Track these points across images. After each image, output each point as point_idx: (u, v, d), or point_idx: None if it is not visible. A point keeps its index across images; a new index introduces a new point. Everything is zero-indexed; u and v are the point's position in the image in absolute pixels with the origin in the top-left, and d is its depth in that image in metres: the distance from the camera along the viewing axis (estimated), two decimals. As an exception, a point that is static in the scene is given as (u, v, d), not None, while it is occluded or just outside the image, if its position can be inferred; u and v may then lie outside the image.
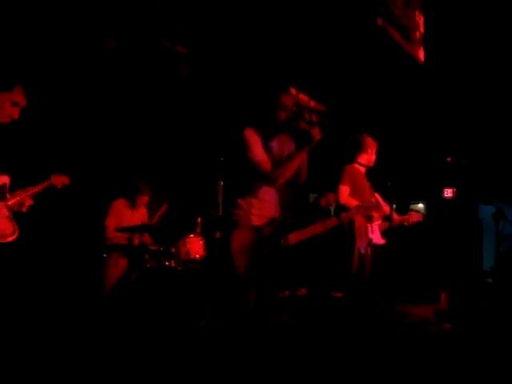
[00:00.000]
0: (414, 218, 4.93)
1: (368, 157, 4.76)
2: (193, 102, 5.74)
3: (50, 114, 4.73)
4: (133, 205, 5.46)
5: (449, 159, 4.31)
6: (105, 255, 5.19)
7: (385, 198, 4.59)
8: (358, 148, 4.77)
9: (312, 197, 7.65)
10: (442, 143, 6.95)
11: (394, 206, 4.16)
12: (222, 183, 6.59)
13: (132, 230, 5.17)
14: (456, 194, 7.32)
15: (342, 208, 4.40)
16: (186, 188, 6.49)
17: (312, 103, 5.39)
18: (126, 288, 4.87)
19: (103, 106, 4.88)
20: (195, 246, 5.20)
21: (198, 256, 5.17)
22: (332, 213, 6.51)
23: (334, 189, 6.15)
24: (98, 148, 5.40)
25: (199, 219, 5.43)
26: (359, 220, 4.41)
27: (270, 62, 5.39)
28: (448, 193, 7.60)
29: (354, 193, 4.57)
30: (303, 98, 5.38)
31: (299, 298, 5.93)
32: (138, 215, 5.52)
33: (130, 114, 5.44)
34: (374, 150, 4.77)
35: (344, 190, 4.54)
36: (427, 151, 7.02)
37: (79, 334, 4.29)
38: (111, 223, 5.29)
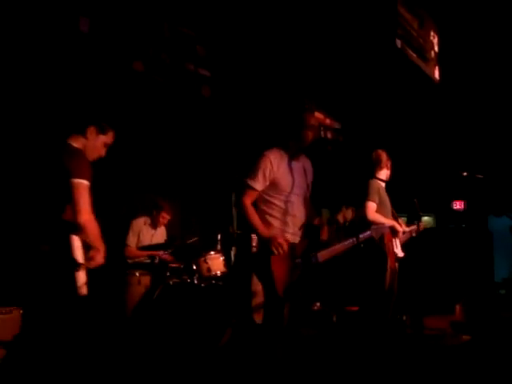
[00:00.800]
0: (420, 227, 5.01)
1: (386, 172, 4.85)
2: (215, 122, 5.85)
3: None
4: (154, 223, 5.52)
5: (465, 174, 4.38)
6: (127, 273, 5.20)
7: (410, 214, 4.67)
8: (376, 164, 4.84)
9: (324, 212, 7.72)
10: (451, 156, 7.05)
11: (419, 222, 4.26)
12: (235, 200, 6.67)
13: (155, 248, 5.24)
14: (466, 206, 7.39)
15: (366, 224, 4.46)
16: (202, 204, 6.58)
17: (327, 121, 5.48)
18: (149, 305, 4.89)
19: (129, 126, 4.96)
20: (216, 263, 5.25)
21: (219, 272, 5.23)
22: (347, 227, 6.60)
23: (352, 204, 6.25)
24: (119, 165, 5.40)
25: (219, 236, 5.50)
26: (388, 235, 4.51)
27: (288, 80, 5.49)
28: (457, 205, 7.68)
29: (379, 208, 4.64)
30: (319, 115, 5.48)
31: (315, 312, 6.00)
32: (158, 233, 5.57)
33: (155, 134, 5.53)
34: (389, 165, 4.87)
35: (372, 206, 4.58)
36: (435, 164, 7.11)
37: (104, 353, 4.27)
38: (132, 241, 5.36)
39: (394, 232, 4.60)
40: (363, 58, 5.35)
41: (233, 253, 6.04)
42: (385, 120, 6.55)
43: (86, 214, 2.95)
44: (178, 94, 5.20)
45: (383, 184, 4.84)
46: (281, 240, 3.24)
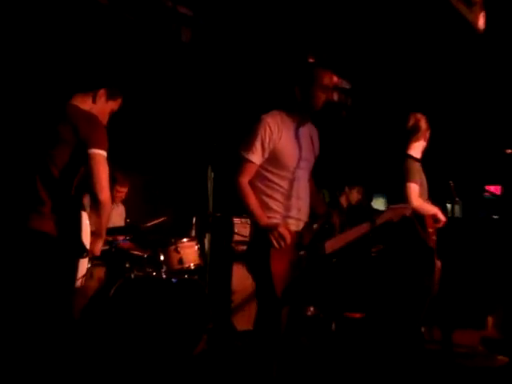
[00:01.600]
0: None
1: (423, 144, 4.67)
2: (195, 75, 5.79)
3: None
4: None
5: (510, 151, 4.32)
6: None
7: (446, 198, 4.62)
8: (413, 133, 4.65)
9: (324, 193, 7.69)
10: (491, 129, 7.01)
11: (456, 206, 4.23)
12: (212, 174, 6.61)
13: (112, 232, 5.12)
14: (502, 192, 7.36)
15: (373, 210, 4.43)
16: (172, 179, 6.56)
17: (334, 78, 5.42)
18: (103, 305, 4.80)
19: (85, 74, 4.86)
20: (190, 253, 5.24)
21: (192, 265, 5.23)
22: (352, 212, 6.60)
23: (356, 184, 6.23)
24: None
25: (194, 219, 5.50)
26: (430, 223, 4.45)
27: (289, 25, 5.42)
28: (491, 190, 7.64)
29: (419, 193, 4.51)
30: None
31: (308, 318, 5.99)
32: (116, 213, 5.50)
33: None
34: (428, 137, 4.70)
35: (414, 189, 4.44)
36: (470, 138, 7.06)
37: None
38: None
39: (436, 221, 4.48)
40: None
41: (207, 240, 5.91)
42: (407, 79, 6.45)
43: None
44: (150, 37, 5.12)
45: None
46: (283, 230, 3.21)
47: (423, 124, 4.63)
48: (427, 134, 4.67)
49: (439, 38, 5.87)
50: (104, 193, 3.06)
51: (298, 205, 3.43)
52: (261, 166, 3.37)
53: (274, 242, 3.20)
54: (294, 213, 3.42)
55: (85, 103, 3.22)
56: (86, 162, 3.04)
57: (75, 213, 3.12)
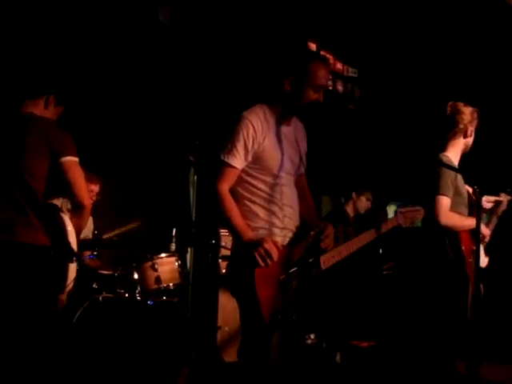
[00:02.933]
0: None
1: (467, 141, 4.42)
2: (174, 60, 5.74)
3: None
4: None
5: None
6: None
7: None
8: (452, 126, 4.42)
9: (325, 200, 7.73)
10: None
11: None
12: (195, 178, 6.55)
13: (78, 245, 4.92)
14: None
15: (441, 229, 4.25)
16: (150, 183, 6.47)
17: (338, 65, 5.33)
18: (66, 332, 4.65)
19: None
20: (169, 270, 5.16)
21: (172, 284, 5.14)
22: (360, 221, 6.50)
23: (365, 189, 6.14)
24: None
25: (174, 231, 5.40)
26: (466, 240, 4.31)
27: (284, 8, 5.32)
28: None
29: (455, 203, 4.33)
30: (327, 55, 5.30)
31: (308, 347, 5.94)
32: None
33: (86, 75, 5.43)
34: (474, 129, 4.43)
35: (444, 203, 4.26)
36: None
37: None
38: None
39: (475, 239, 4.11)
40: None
41: (189, 255, 5.99)
42: (426, 66, 6.35)
43: (88, 195, 3.56)
44: (124, 17, 5.08)
45: (456, 161, 4.43)
46: (269, 245, 3.14)
47: (468, 115, 4.37)
48: (471, 129, 4.40)
49: (460, 16, 5.76)
50: (86, 197, 3.46)
51: (282, 212, 3.39)
52: (243, 171, 3.33)
53: (259, 259, 3.13)
54: (278, 221, 3.37)
55: (37, 109, 3.52)
56: (61, 170, 3.37)
57: (55, 219, 3.46)
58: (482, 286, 4.38)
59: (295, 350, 3.49)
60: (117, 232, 5.38)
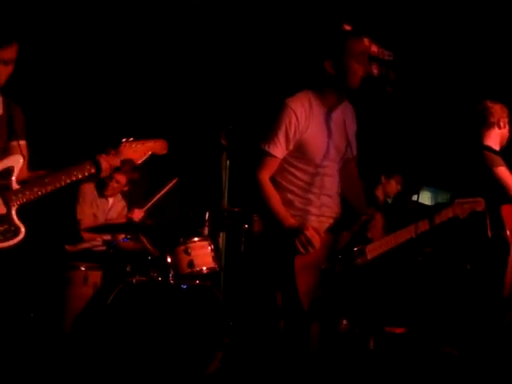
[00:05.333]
0: None
1: (501, 133, 4.57)
2: (208, 44, 5.71)
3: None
4: (102, 191, 5.44)
5: None
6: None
7: None
8: (483, 122, 4.56)
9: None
10: None
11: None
12: (228, 162, 6.53)
13: (111, 229, 5.14)
14: None
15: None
16: (181, 166, 6.37)
17: (373, 48, 5.25)
18: (100, 315, 4.68)
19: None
20: (202, 254, 5.11)
21: (205, 268, 5.09)
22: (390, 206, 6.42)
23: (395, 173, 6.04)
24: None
25: (207, 215, 5.37)
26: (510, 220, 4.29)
27: None
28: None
29: None
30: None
31: (341, 334, 5.87)
32: (116, 208, 5.51)
33: (113, 56, 5.57)
34: (506, 121, 4.58)
35: (506, 172, 4.34)
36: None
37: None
38: (88, 213, 5.31)
39: None
40: None
41: (222, 240, 5.99)
42: (463, 50, 6.17)
43: None
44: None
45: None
46: (311, 233, 3.11)
47: (497, 111, 4.53)
48: (503, 120, 4.55)
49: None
50: None
51: (320, 200, 3.35)
52: (283, 158, 3.31)
53: (300, 247, 3.10)
54: (315, 209, 3.34)
55: None
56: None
57: None
58: None
59: (331, 336, 3.45)
60: (156, 197, 5.49)
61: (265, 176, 3.28)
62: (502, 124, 4.54)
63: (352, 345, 5.37)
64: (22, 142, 3.38)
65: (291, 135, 3.26)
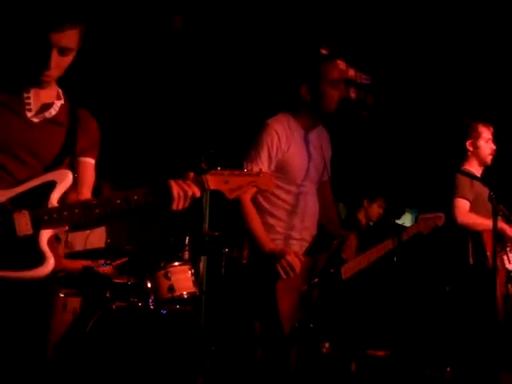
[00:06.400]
0: None
1: (482, 152, 4.74)
2: (188, 68, 5.75)
3: None
4: None
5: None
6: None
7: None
8: (465, 140, 4.72)
9: (340, 207, 7.63)
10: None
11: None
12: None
13: (91, 255, 5.07)
14: None
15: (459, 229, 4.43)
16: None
17: (351, 72, 5.32)
18: (79, 342, 4.58)
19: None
20: (182, 279, 5.08)
21: (185, 293, 5.05)
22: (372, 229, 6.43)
23: (378, 196, 6.14)
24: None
25: (187, 239, 5.35)
26: (489, 241, 4.36)
27: (297, 17, 5.45)
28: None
29: (475, 208, 4.54)
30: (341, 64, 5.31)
31: (323, 356, 5.87)
32: (95, 233, 5.43)
33: (99, 82, 5.50)
34: (490, 144, 4.75)
35: (462, 205, 4.49)
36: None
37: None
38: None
39: (500, 239, 4.42)
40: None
41: (202, 265, 5.94)
42: (439, 73, 6.26)
43: None
44: (136, 25, 5.09)
45: (479, 170, 4.75)
46: (292, 258, 3.13)
47: (481, 132, 4.73)
48: (488, 142, 4.74)
49: (473, 24, 5.85)
50: None
51: (302, 224, 3.41)
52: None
53: (282, 272, 3.12)
54: (297, 233, 3.39)
55: None
56: None
57: None
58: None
59: (311, 358, 3.56)
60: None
61: (247, 198, 3.27)
62: (482, 145, 4.70)
63: (334, 368, 5.40)
64: (88, 160, 2.82)
65: (273, 154, 3.29)
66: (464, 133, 4.82)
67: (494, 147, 4.81)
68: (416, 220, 3.98)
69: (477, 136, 4.77)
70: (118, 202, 2.56)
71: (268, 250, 3.20)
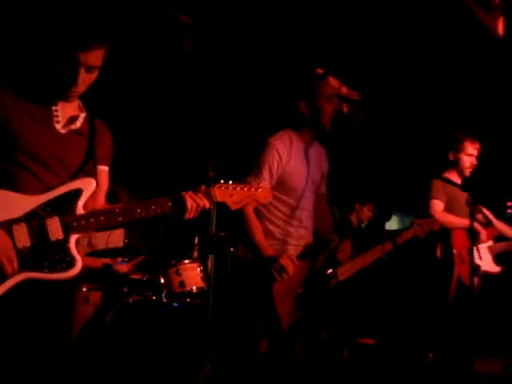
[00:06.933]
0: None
1: (462, 164, 5.00)
2: (197, 88, 5.94)
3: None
4: None
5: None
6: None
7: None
8: (453, 154, 4.99)
9: (334, 210, 7.71)
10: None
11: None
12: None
13: (111, 253, 5.26)
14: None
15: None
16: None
17: (343, 89, 5.52)
18: (100, 331, 4.85)
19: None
20: (192, 275, 5.29)
21: (195, 288, 5.28)
22: (363, 231, 6.68)
23: (368, 200, 6.37)
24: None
25: (196, 240, 5.58)
26: (459, 242, 4.65)
27: (294, 41, 5.63)
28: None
29: (452, 211, 4.80)
30: (333, 82, 5.48)
31: (321, 345, 6.00)
32: (115, 234, 5.60)
33: (114, 99, 5.59)
34: (472, 156, 4.98)
35: (437, 205, 4.74)
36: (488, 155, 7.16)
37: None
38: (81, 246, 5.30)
39: (472, 236, 4.55)
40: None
41: (210, 262, 6.03)
42: (424, 89, 6.51)
43: None
44: (149, 48, 5.23)
45: (459, 179, 4.96)
46: (284, 261, 3.27)
47: (466, 144, 4.97)
48: (471, 154, 4.97)
49: (456, 44, 6.01)
50: None
51: (298, 232, 3.57)
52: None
53: (276, 274, 3.26)
54: (293, 240, 3.55)
55: None
56: None
57: None
58: (479, 282, 4.78)
59: (313, 350, 3.64)
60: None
61: (250, 209, 3.42)
62: (465, 156, 4.96)
63: (329, 355, 5.62)
64: (103, 168, 2.96)
65: (274, 171, 3.44)
66: (450, 144, 5.03)
67: (475, 163, 4.99)
68: (411, 225, 4.01)
69: (460, 149, 4.96)
70: (138, 211, 2.75)
71: (266, 255, 3.34)
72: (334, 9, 5.81)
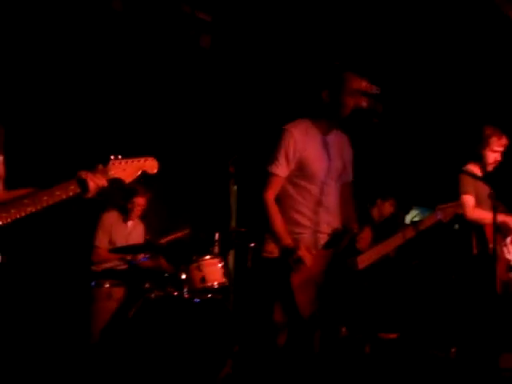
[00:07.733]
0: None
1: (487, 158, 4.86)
2: (216, 83, 5.90)
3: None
4: (126, 215, 5.61)
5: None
6: (93, 284, 5.29)
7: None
8: (481, 146, 4.86)
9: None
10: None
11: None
12: (235, 188, 6.71)
13: (132, 250, 5.30)
14: None
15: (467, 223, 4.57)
16: (193, 191, 6.64)
17: (363, 83, 5.47)
18: (122, 327, 4.94)
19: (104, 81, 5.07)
20: (213, 271, 5.29)
21: (216, 283, 5.27)
22: (384, 226, 6.63)
23: (390, 196, 6.30)
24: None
25: (217, 236, 5.55)
26: (491, 237, 4.47)
27: (313, 33, 5.58)
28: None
29: (478, 204, 4.69)
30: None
31: (341, 339, 5.97)
32: (136, 231, 5.67)
33: (134, 95, 5.67)
34: (500, 150, 4.86)
35: (469, 201, 4.65)
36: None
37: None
38: (102, 241, 5.45)
39: (501, 230, 4.55)
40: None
41: (231, 257, 6.05)
42: (440, 83, 6.41)
43: None
44: (168, 45, 5.26)
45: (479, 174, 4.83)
46: (301, 252, 3.26)
47: (493, 138, 4.82)
48: (499, 148, 4.84)
49: (482, 34, 5.91)
50: None
51: (327, 218, 3.50)
52: (288, 180, 3.47)
53: (293, 264, 3.25)
54: (324, 227, 3.48)
55: None
56: None
57: None
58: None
59: (332, 342, 3.55)
60: (169, 238, 5.51)
61: (270, 196, 3.40)
62: (495, 149, 4.81)
63: (350, 349, 5.59)
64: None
65: (291, 155, 3.41)
66: (476, 137, 4.89)
67: (499, 159, 4.87)
68: (434, 211, 4.00)
69: (486, 144, 4.82)
70: (45, 198, 2.75)
71: (284, 244, 3.30)
72: (352, 2, 5.77)
